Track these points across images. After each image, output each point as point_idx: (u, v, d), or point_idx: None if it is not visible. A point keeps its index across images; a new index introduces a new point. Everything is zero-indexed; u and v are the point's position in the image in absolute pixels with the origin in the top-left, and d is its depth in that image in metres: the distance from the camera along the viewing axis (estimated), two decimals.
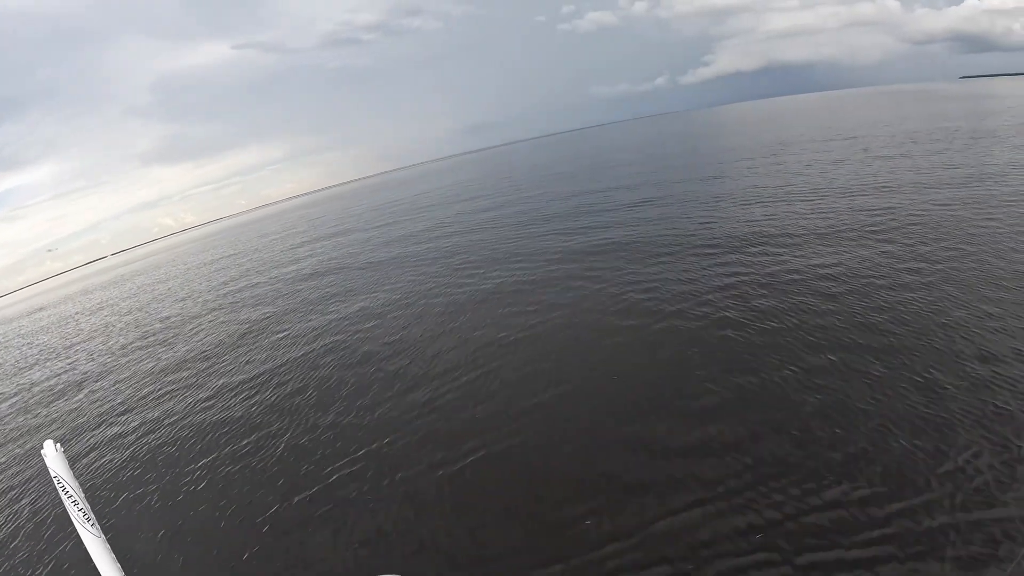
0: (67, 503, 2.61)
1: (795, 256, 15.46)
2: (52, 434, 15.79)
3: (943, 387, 8.29)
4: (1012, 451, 6.78)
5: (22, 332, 44.02)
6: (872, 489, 6.74)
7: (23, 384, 22.98)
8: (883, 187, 21.66)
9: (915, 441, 7.30)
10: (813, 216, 19.31)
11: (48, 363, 25.56)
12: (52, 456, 2.53)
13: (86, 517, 2.61)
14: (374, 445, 10.41)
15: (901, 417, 7.80)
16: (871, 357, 9.49)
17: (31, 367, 26.05)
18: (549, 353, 12.55)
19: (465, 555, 7.26)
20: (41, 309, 63.61)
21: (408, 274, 23.27)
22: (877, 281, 12.70)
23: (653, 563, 6.43)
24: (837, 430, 7.81)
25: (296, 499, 9.32)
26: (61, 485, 2.56)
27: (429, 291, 19.85)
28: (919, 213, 17.49)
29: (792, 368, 9.65)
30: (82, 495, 2.60)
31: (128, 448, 13.18)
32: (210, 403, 14.73)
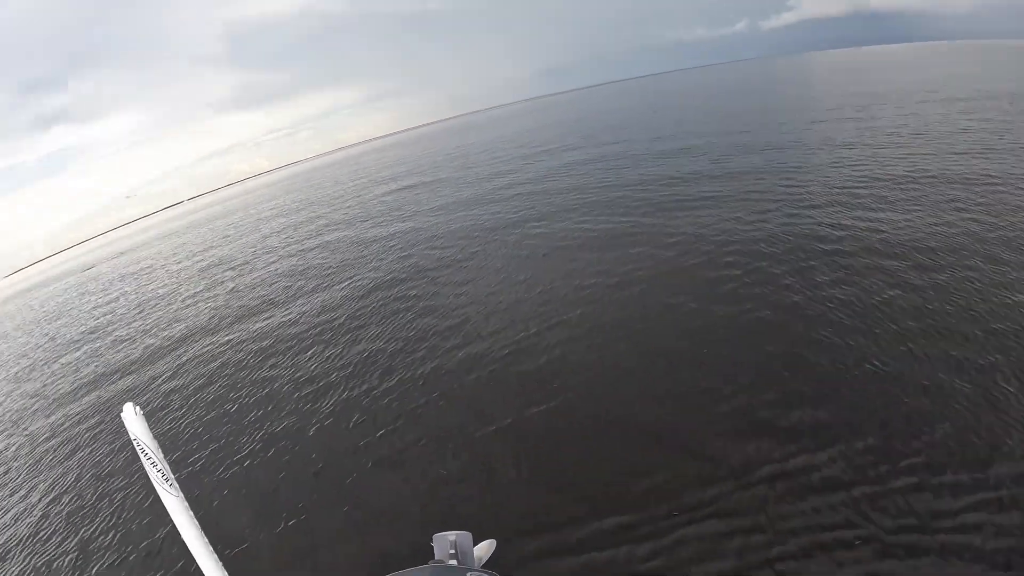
0: (146, 464, 2.61)
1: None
2: (125, 384, 16.31)
3: None
4: None
5: (102, 279, 45.53)
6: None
7: (98, 333, 23.77)
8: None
9: None
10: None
11: (123, 314, 26.29)
12: (131, 419, 2.52)
13: (164, 477, 2.61)
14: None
15: None
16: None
17: (107, 317, 26.97)
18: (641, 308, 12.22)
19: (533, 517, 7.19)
20: (121, 254, 65.75)
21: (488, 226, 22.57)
22: None
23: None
24: None
25: (367, 452, 9.45)
26: (140, 447, 2.56)
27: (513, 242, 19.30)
28: None
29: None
30: (161, 456, 2.60)
31: (197, 399, 13.56)
32: (276, 352, 14.96)
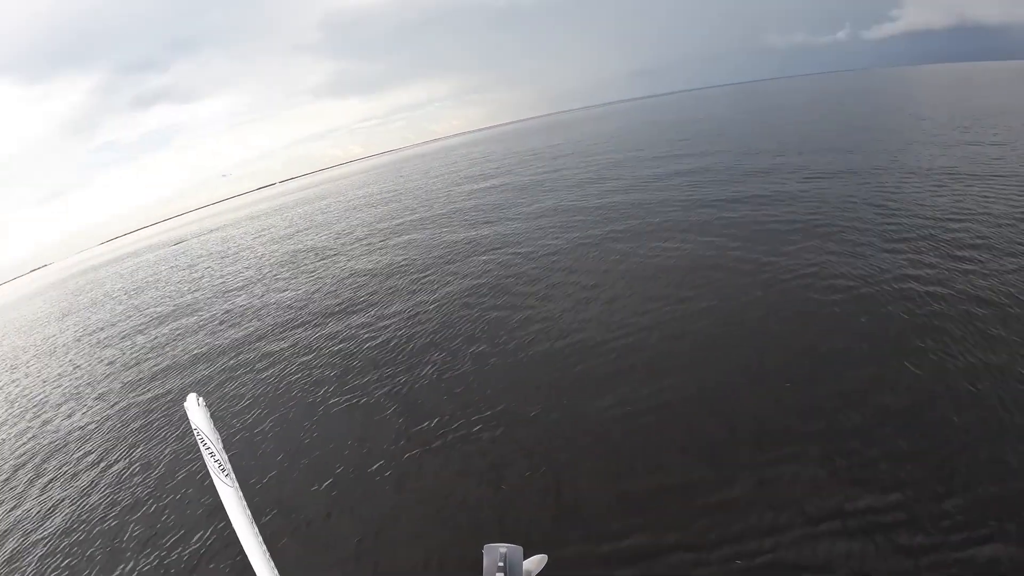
0: (205, 455, 2.66)
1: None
2: (196, 370, 16.78)
3: None
4: None
5: (191, 254, 46.99)
6: None
7: (180, 311, 24.62)
8: None
9: None
10: None
11: (206, 297, 26.94)
12: (194, 409, 2.56)
13: (221, 468, 2.65)
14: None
15: None
16: None
17: (193, 295, 27.87)
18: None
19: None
20: (211, 231, 67.82)
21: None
22: None
23: None
24: None
25: (434, 442, 9.57)
26: (200, 438, 2.61)
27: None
28: None
29: None
30: (220, 446, 2.64)
31: (257, 382, 14.08)
32: (342, 340, 15.50)
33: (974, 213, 16.58)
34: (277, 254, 32.83)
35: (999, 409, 7.77)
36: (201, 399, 2.59)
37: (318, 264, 25.97)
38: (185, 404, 2.62)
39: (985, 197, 17.88)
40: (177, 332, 21.00)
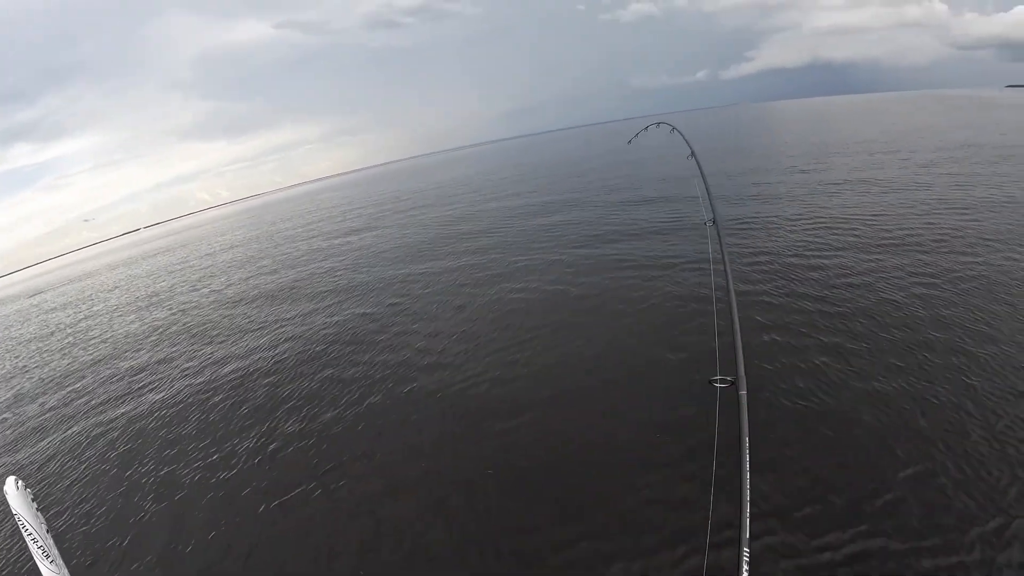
0: (28, 541, 2.45)
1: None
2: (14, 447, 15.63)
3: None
4: None
5: (44, 307, 44.74)
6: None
7: (25, 374, 22.61)
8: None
9: None
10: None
11: (53, 360, 24.70)
12: (12, 494, 2.37)
13: (46, 554, 2.50)
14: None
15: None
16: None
17: (40, 357, 25.76)
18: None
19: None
20: (73, 281, 64.61)
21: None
22: None
23: None
24: None
25: (279, 503, 9.29)
26: (22, 523, 2.40)
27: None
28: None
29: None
30: (44, 531, 2.47)
31: (90, 451, 13.17)
32: (181, 404, 14.64)
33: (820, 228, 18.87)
34: (129, 308, 31.28)
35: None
36: (20, 482, 2.41)
37: (157, 324, 24.65)
38: (4, 489, 2.40)
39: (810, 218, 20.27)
40: (18, 397, 19.48)
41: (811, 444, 8.21)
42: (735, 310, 3.51)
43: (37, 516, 2.40)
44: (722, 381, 3.23)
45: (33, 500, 2.43)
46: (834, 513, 6.88)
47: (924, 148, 36.02)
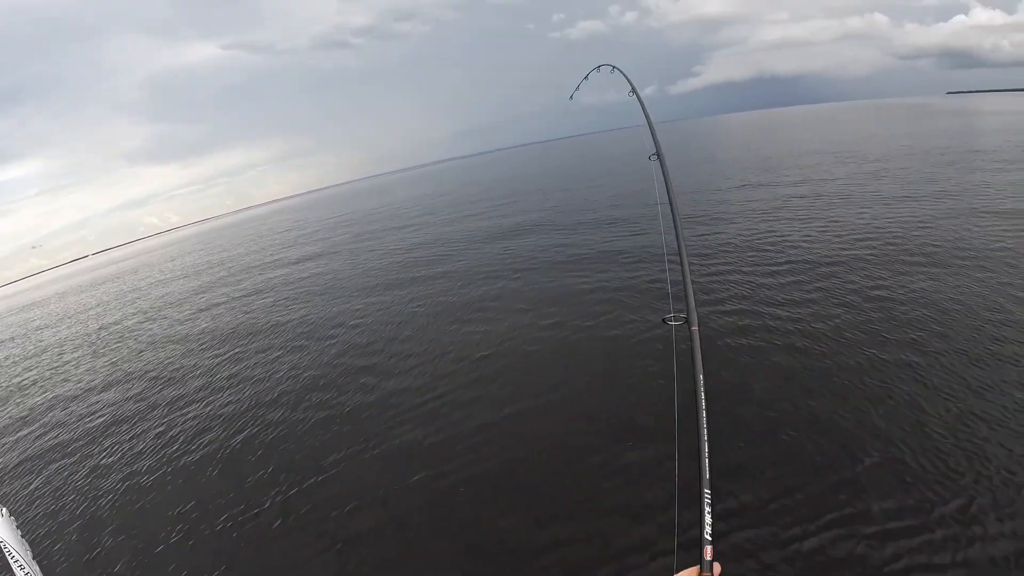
0: (14, 568, 2.42)
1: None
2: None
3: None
4: None
5: None
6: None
7: None
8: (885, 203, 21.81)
9: None
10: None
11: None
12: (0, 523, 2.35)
13: None
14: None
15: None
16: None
17: None
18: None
19: None
20: (15, 311, 62.95)
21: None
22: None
23: None
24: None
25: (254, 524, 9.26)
26: (8, 551, 2.38)
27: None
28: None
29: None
30: (30, 557, 2.45)
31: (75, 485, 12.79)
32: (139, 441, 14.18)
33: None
34: (79, 337, 30.57)
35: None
36: (4, 509, 2.39)
37: (111, 360, 23.95)
38: None
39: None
40: None
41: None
42: (683, 248, 3.56)
43: (22, 543, 2.39)
44: (676, 318, 3.31)
45: (17, 527, 2.43)
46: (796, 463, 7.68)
47: (870, 156, 37.29)
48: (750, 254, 18.57)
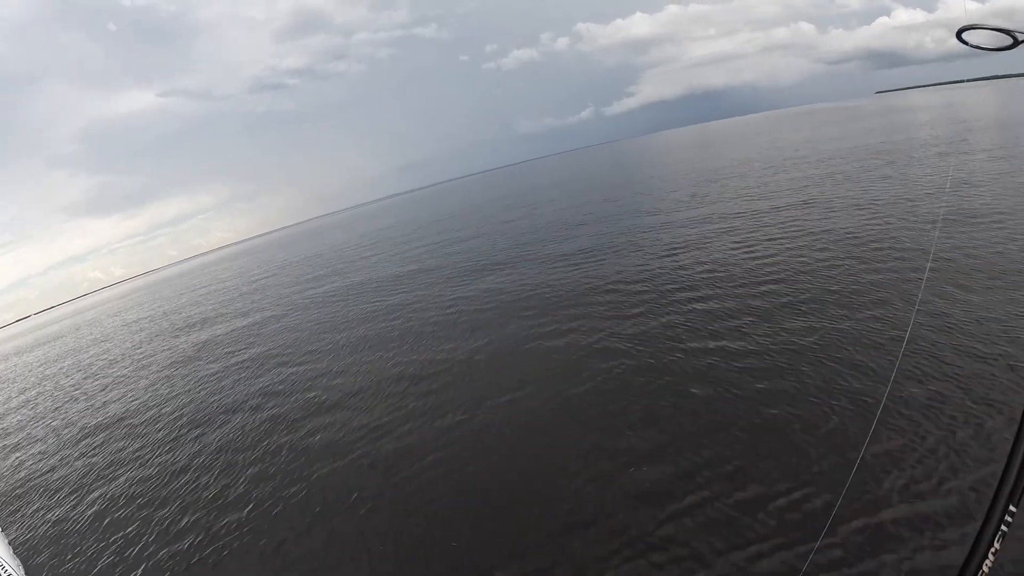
0: None
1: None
2: None
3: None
4: None
5: None
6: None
7: None
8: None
9: None
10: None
11: None
12: None
13: None
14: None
15: None
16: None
17: None
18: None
19: None
20: None
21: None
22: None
23: None
24: None
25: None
26: (1, 564, 2.33)
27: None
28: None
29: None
30: (22, 572, 2.40)
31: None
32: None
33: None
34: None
35: None
36: None
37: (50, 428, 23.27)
38: None
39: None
40: None
41: None
42: None
43: (15, 558, 2.40)
44: None
45: (9, 544, 2.44)
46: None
47: (801, 162, 38.19)
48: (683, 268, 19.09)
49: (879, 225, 19.32)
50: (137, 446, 16.79)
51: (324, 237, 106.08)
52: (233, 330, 30.97)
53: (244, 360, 23.16)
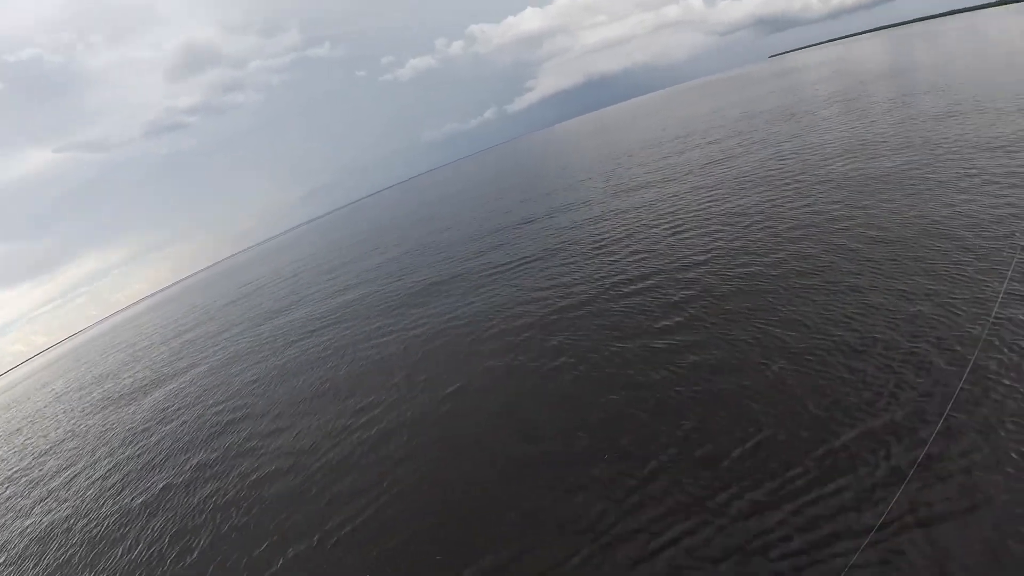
0: None
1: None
2: None
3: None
4: None
5: None
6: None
7: None
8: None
9: None
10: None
11: None
12: None
13: None
14: None
15: None
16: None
17: None
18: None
19: None
20: None
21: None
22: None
23: None
24: None
25: None
26: None
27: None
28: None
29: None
30: None
31: None
32: None
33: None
34: None
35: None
36: None
37: None
38: None
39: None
40: None
41: None
42: None
43: None
44: None
45: None
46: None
47: (708, 133, 39.00)
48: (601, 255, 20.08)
49: (792, 184, 20.02)
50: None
51: (235, 277, 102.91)
52: (168, 393, 29.40)
53: (176, 427, 22.42)
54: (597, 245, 21.75)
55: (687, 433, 9.46)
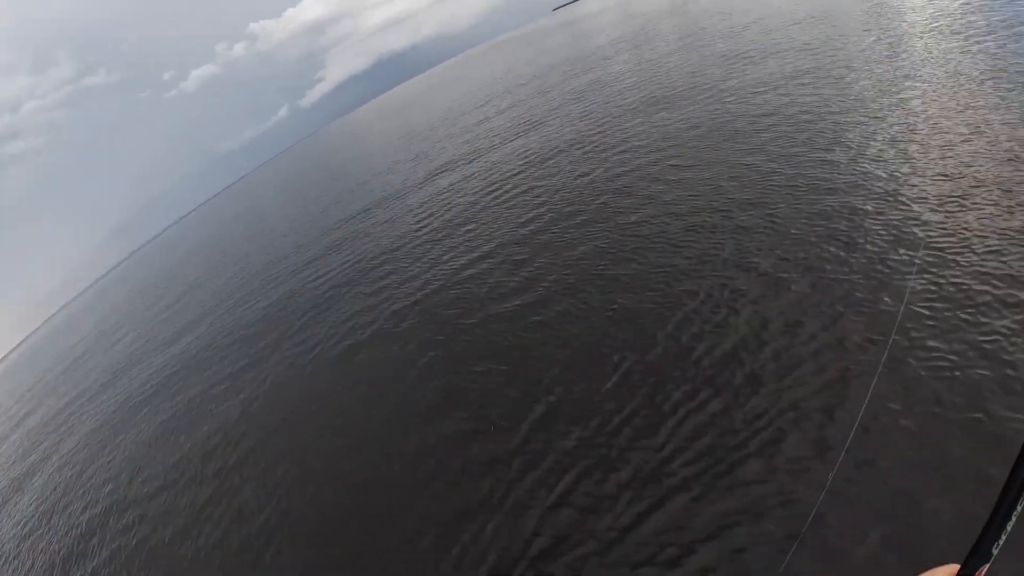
0: None
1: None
2: None
3: None
4: None
5: None
6: None
7: None
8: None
9: None
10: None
11: None
12: None
13: None
14: None
15: None
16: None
17: None
18: None
19: None
20: None
21: None
22: None
23: None
24: None
25: None
26: None
27: None
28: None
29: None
30: None
31: None
32: None
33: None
34: None
35: None
36: None
37: None
38: None
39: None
40: None
41: None
42: None
43: None
44: None
45: None
46: None
47: (507, 93, 39.40)
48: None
49: (597, 131, 20.64)
50: None
51: (46, 352, 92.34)
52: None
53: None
54: (422, 230, 21.06)
55: (549, 386, 9.64)
